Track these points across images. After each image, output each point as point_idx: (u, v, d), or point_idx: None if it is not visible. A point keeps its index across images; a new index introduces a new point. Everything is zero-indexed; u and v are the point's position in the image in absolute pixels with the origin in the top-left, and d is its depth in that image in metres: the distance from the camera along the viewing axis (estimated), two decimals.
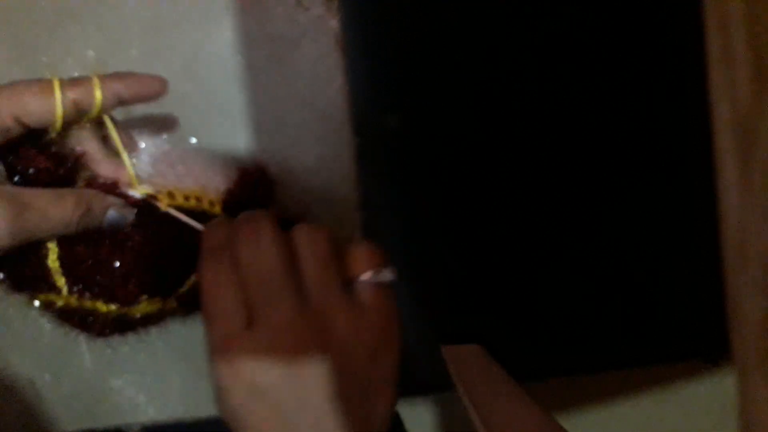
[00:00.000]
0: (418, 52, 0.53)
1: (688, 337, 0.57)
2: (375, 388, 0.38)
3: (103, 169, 0.42)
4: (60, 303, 0.43)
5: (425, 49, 0.53)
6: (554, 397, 0.62)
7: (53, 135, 0.40)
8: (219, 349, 0.36)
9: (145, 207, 0.42)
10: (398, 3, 0.52)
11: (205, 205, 0.44)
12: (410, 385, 0.55)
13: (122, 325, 0.44)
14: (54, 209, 0.38)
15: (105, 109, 0.40)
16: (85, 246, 0.41)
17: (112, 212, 0.40)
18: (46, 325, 0.50)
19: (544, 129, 0.54)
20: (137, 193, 0.42)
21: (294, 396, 0.35)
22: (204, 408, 0.54)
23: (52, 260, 0.41)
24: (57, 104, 0.38)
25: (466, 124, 0.53)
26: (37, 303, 0.44)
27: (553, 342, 0.55)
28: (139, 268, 0.42)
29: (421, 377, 0.54)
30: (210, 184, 0.45)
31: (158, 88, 0.42)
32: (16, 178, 0.40)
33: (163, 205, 0.42)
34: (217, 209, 0.44)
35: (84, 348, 0.51)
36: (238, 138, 0.52)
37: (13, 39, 0.51)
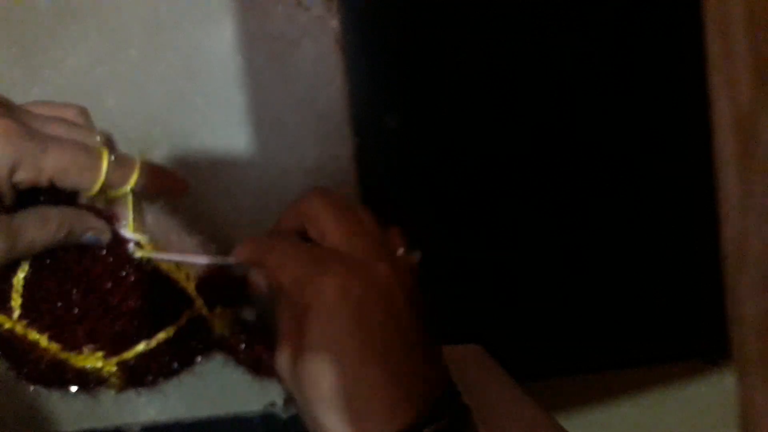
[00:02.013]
0: (418, 52, 0.53)
1: (688, 337, 0.57)
2: (421, 344, 0.38)
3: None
4: (6, 326, 0.41)
5: (425, 49, 0.53)
6: (554, 397, 0.62)
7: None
8: (311, 270, 0.38)
9: (125, 257, 0.42)
10: (398, 3, 0.52)
11: (181, 276, 0.43)
12: None
13: (55, 374, 0.42)
14: (39, 233, 0.38)
15: (132, 192, 0.41)
16: (54, 273, 0.41)
17: (89, 236, 0.41)
18: None
19: (544, 129, 0.54)
20: (128, 234, 0.41)
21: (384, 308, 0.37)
22: (204, 408, 0.54)
23: (18, 279, 0.40)
24: (98, 183, 0.39)
25: (465, 124, 0.53)
26: None
27: (553, 342, 0.55)
28: (97, 314, 0.41)
29: None
30: (190, 263, 0.45)
31: (182, 190, 0.43)
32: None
33: (146, 251, 0.42)
34: (191, 286, 0.43)
35: None
36: (238, 138, 0.52)
37: (13, 39, 0.51)
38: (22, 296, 0.40)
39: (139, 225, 0.42)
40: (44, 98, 0.49)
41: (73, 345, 0.41)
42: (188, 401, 0.54)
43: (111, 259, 0.41)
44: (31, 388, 0.47)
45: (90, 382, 0.42)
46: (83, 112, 0.41)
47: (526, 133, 0.54)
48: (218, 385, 0.55)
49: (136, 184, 0.40)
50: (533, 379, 0.53)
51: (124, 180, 0.40)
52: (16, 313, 0.40)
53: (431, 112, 0.53)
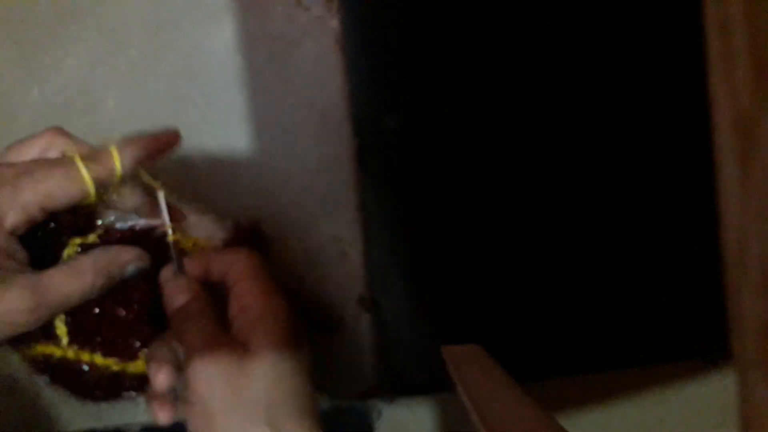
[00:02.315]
0: (418, 52, 0.53)
1: (688, 337, 0.57)
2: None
3: (139, 211, 0.43)
4: (58, 354, 0.41)
5: (425, 49, 0.53)
6: (554, 397, 0.62)
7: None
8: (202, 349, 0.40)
9: (154, 258, 0.42)
10: (398, 3, 0.52)
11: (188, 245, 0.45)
12: (410, 385, 0.55)
13: (114, 386, 0.43)
14: (73, 286, 0.38)
15: (124, 173, 0.40)
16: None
17: (131, 267, 0.41)
18: None
19: (544, 129, 0.54)
20: (169, 236, 0.43)
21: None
22: None
23: None
24: (89, 187, 0.38)
25: (465, 124, 0.53)
26: (30, 357, 0.42)
27: (553, 342, 0.55)
28: (143, 319, 0.42)
29: (421, 377, 0.54)
30: (209, 237, 0.46)
31: (173, 141, 0.43)
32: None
33: (187, 244, 0.44)
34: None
35: None
36: (238, 138, 0.52)
37: (13, 39, 0.51)
38: (66, 323, 0.41)
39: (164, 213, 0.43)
40: (44, 98, 0.49)
41: (130, 354, 0.42)
42: None
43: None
44: (32, 387, 0.47)
45: (145, 382, 0.43)
46: (56, 132, 0.40)
47: (527, 133, 0.54)
48: None
49: (125, 169, 0.40)
50: (533, 379, 0.53)
51: (110, 169, 0.39)
52: (65, 341, 0.41)
53: (431, 112, 0.53)
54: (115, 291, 0.41)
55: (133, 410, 0.54)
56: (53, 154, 0.39)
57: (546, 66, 0.54)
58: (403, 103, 0.53)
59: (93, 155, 0.39)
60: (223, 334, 0.39)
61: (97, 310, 0.41)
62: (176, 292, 0.41)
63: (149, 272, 0.42)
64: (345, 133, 0.53)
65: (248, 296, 0.40)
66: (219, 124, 0.52)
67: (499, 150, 0.54)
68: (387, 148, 0.53)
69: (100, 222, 0.43)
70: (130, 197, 0.42)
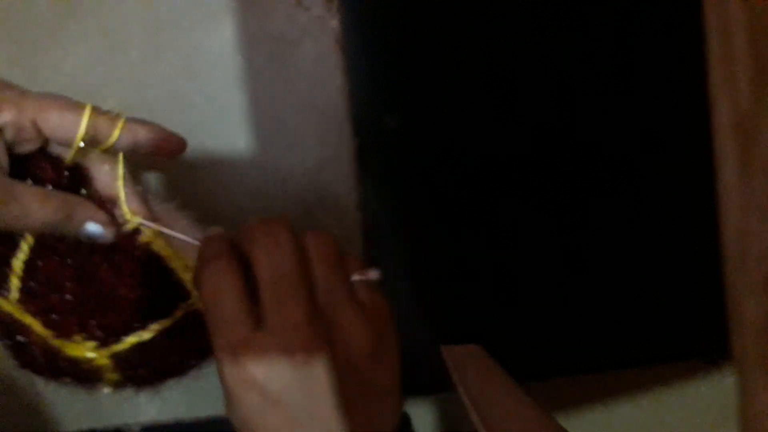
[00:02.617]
0: (418, 52, 0.53)
1: (688, 337, 0.57)
2: (379, 392, 0.37)
3: (101, 187, 0.41)
4: (5, 308, 0.41)
5: (425, 49, 0.53)
6: (554, 397, 0.62)
7: (69, 156, 0.40)
8: (229, 355, 0.35)
9: (123, 245, 0.41)
10: (398, 3, 0.52)
11: (180, 265, 0.42)
12: (410, 385, 0.55)
13: (52, 363, 0.42)
14: (37, 208, 0.38)
15: (119, 145, 0.40)
16: (53, 258, 0.40)
17: (92, 225, 0.40)
18: None
19: (544, 129, 0.54)
20: (126, 218, 0.40)
21: (306, 401, 0.35)
22: (204, 408, 0.54)
23: (18, 261, 0.40)
24: (82, 124, 0.38)
25: (465, 124, 0.53)
26: None
27: (553, 342, 0.55)
28: (91, 302, 0.40)
29: (421, 377, 0.54)
30: (187, 250, 0.43)
31: (176, 147, 0.42)
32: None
33: (147, 235, 0.41)
34: (188, 278, 0.42)
35: None
36: (238, 138, 0.52)
37: (13, 39, 0.51)
38: (21, 279, 0.40)
39: (139, 203, 0.41)
40: None
41: (66, 332, 0.41)
42: (188, 401, 0.54)
43: (109, 247, 0.40)
44: (32, 387, 0.47)
45: (83, 374, 0.42)
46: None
47: (527, 133, 0.54)
48: (218, 385, 0.55)
49: (124, 139, 0.39)
50: (533, 379, 0.53)
51: (109, 130, 0.39)
52: (14, 296, 0.40)
53: (431, 112, 0.53)
54: (76, 260, 0.40)
55: (133, 410, 0.54)
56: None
57: (546, 66, 0.54)
58: (403, 103, 0.53)
59: (104, 113, 0.40)
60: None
61: (52, 276, 0.40)
62: (271, 249, 0.36)
63: (113, 256, 0.41)
64: (345, 133, 0.53)
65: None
66: (219, 124, 0.52)
67: (499, 150, 0.54)
68: (387, 148, 0.53)
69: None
70: (103, 169, 0.41)
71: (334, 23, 0.52)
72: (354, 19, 0.52)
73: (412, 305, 0.54)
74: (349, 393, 0.35)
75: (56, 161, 0.40)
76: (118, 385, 0.43)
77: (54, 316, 0.41)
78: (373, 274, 0.40)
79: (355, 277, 0.39)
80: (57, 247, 0.40)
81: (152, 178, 0.53)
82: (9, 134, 0.38)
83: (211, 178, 0.53)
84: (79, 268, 0.40)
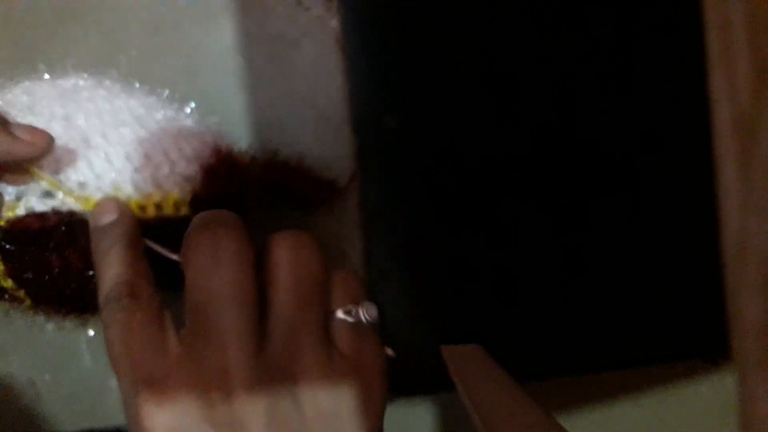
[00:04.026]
0: (418, 52, 0.53)
1: (688, 337, 0.57)
2: None
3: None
4: None
5: (425, 49, 0.53)
6: (554, 397, 0.62)
7: None
8: (140, 391, 0.27)
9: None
10: (398, 3, 0.52)
11: (169, 209, 0.33)
12: (410, 385, 0.55)
13: None
14: None
15: None
16: None
17: (29, 149, 0.32)
18: (47, 324, 0.50)
19: (544, 129, 0.54)
20: (58, 197, 0.32)
21: None
22: None
23: None
24: None
25: (466, 124, 0.53)
26: None
27: (553, 342, 0.55)
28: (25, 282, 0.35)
29: (421, 377, 0.54)
30: (175, 172, 0.34)
31: (33, 151, 0.33)
32: None
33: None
34: (185, 211, 0.34)
35: (84, 348, 0.51)
36: (238, 138, 0.52)
37: (13, 39, 0.51)
38: None
39: None
40: None
41: None
42: None
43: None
44: (32, 387, 0.47)
45: None
46: None
47: (527, 132, 0.54)
48: None
49: None
50: (533, 379, 0.53)
51: None
52: None
53: (431, 112, 0.53)
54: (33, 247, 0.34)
55: None
56: None
57: (546, 66, 0.54)
58: (403, 103, 0.53)
59: None
60: None
61: None
62: (295, 257, 0.28)
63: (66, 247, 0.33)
64: (345, 133, 0.53)
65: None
66: (219, 124, 0.52)
67: (500, 150, 0.54)
68: (387, 148, 0.53)
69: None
70: None
71: (334, 23, 0.52)
72: (354, 19, 0.52)
73: (412, 305, 0.54)
74: None
75: None
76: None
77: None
78: (369, 312, 0.31)
79: (341, 315, 0.30)
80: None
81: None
82: None
83: None
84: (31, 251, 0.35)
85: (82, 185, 0.33)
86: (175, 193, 0.34)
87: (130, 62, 0.52)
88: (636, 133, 0.55)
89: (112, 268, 0.30)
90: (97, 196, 0.33)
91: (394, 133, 0.53)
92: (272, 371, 0.27)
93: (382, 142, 0.53)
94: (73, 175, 0.34)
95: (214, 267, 0.27)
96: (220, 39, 0.52)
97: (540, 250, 0.55)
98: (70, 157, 0.34)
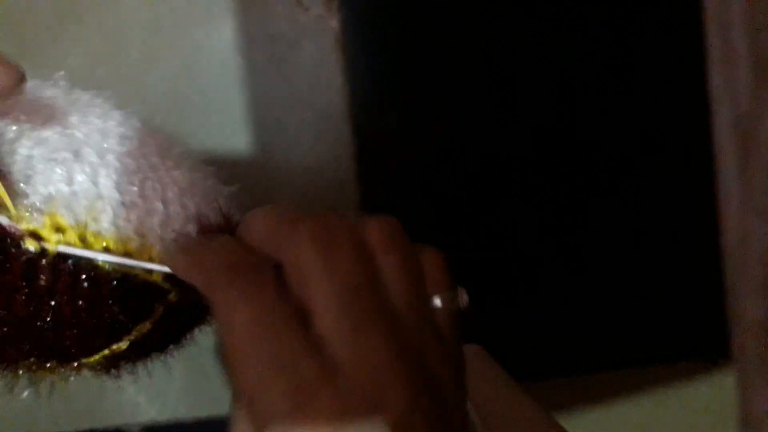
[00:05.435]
0: (418, 52, 0.53)
1: (688, 337, 0.57)
2: None
3: None
4: None
5: (425, 49, 0.53)
6: (554, 397, 0.62)
7: None
8: (290, 408, 0.23)
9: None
10: (398, 3, 0.52)
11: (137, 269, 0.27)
12: None
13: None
14: None
15: None
16: None
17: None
18: None
19: (544, 129, 0.54)
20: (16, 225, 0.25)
21: None
22: (204, 408, 0.54)
23: None
24: None
25: (465, 124, 0.53)
26: None
27: (553, 342, 0.55)
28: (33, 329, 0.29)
29: None
30: (167, 225, 0.28)
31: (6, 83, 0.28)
32: None
33: (51, 245, 0.26)
34: (156, 276, 0.28)
35: None
36: (238, 138, 0.52)
37: (13, 39, 0.51)
38: None
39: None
40: None
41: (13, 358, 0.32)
42: (188, 401, 0.54)
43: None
44: (30, 388, 0.47)
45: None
46: None
47: (527, 132, 0.54)
48: (218, 385, 0.55)
49: None
50: (533, 379, 0.53)
51: None
52: None
53: (431, 112, 0.53)
54: None
55: (133, 410, 0.54)
56: None
57: (546, 66, 0.54)
58: (403, 103, 0.53)
59: None
60: None
61: None
62: (327, 252, 0.24)
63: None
64: (345, 133, 0.53)
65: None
66: (219, 124, 0.52)
67: (499, 150, 0.54)
68: (387, 148, 0.53)
69: None
70: None
71: (334, 23, 0.52)
72: (354, 19, 0.52)
73: None
74: None
75: None
76: (98, 371, 0.34)
77: None
78: (462, 300, 0.29)
79: (438, 302, 0.28)
80: None
81: None
82: None
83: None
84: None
85: (46, 200, 0.27)
86: (154, 249, 0.29)
87: (131, 62, 0.52)
88: (636, 133, 0.55)
89: None
90: (58, 216, 0.27)
91: (394, 133, 0.53)
92: (411, 357, 0.25)
93: (382, 142, 0.53)
94: (41, 186, 0.27)
95: (339, 259, 0.25)
96: (220, 39, 0.52)
97: (540, 251, 0.55)
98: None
